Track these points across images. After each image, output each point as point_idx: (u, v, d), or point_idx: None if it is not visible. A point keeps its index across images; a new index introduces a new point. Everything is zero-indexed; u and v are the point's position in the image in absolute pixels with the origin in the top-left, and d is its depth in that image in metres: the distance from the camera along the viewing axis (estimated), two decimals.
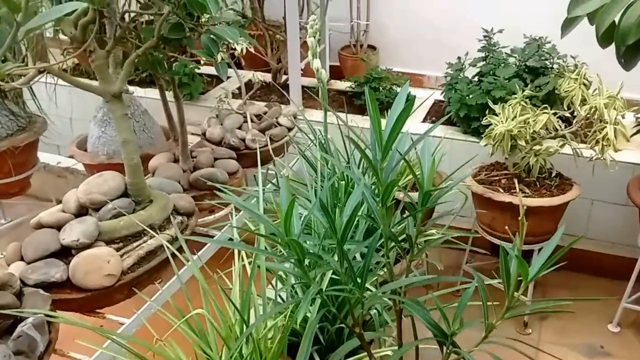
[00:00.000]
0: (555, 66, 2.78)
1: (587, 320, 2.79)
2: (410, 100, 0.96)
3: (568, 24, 1.01)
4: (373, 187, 1.11)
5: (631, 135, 2.47)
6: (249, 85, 2.80)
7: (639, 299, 2.74)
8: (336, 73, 3.77)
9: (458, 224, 2.83)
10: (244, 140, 2.24)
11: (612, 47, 1.07)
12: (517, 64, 2.81)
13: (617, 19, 0.91)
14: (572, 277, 3.04)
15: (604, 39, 0.95)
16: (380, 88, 3.11)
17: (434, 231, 1.96)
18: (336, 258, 0.99)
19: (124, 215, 1.68)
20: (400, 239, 1.13)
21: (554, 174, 2.53)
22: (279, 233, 0.93)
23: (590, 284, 3.00)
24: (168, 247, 1.50)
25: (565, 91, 2.41)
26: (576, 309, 2.84)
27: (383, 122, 1.02)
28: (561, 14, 1.26)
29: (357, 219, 1.08)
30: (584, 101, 2.35)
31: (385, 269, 1.16)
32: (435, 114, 3.17)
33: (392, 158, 1.01)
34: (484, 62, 2.86)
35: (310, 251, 1.02)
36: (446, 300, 1.48)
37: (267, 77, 3.41)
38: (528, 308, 1.32)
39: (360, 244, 1.01)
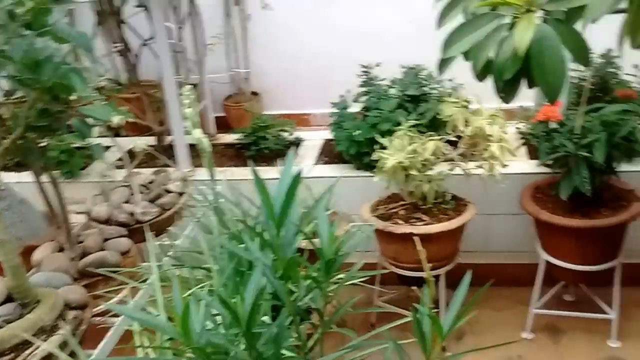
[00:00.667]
0: (434, 92, 2.87)
1: (502, 332, 2.85)
2: (297, 175, 0.92)
3: (443, 64, 1.01)
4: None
5: (516, 148, 2.58)
6: (132, 153, 2.69)
7: (547, 303, 2.84)
8: (223, 124, 3.71)
9: (365, 260, 2.82)
10: (133, 214, 2.12)
11: None
12: (399, 94, 2.87)
13: (491, 55, 0.91)
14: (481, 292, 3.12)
15: (481, 75, 0.95)
16: (268, 136, 3.08)
17: (342, 276, 1.94)
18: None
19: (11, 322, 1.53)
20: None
21: (449, 197, 2.59)
22: (177, 335, 0.85)
23: (499, 295, 3.09)
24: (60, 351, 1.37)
25: (447, 116, 2.48)
26: (489, 322, 2.91)
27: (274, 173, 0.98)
28: (432, 36, 1.23)
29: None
30: (466, 122, 2.43)
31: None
32: (327, 153, 3.18)
33: (288, 231, 0.97)
34: (367, 97, 2.91)
35: (215, 342, 0.95)
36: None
37: (152, 140, 3.30)
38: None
39: (269, 327, 0.96)
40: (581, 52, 0.87)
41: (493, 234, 3.05)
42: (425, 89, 2.87)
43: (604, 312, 2.74)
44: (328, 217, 1.11)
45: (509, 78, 0.86)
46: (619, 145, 2.31)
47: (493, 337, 2.82)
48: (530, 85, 0.90)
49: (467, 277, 1.14)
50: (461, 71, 1.08)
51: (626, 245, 2.64)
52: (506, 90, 0.91)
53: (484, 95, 2.47)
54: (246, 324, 0.88)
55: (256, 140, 3.06)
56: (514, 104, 3.06)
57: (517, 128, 2.94)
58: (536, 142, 2.51)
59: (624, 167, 2.67)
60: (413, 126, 2.52)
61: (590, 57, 0.88)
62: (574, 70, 3.00)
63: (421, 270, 2.52)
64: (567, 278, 2.75)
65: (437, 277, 2.58)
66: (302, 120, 3.82)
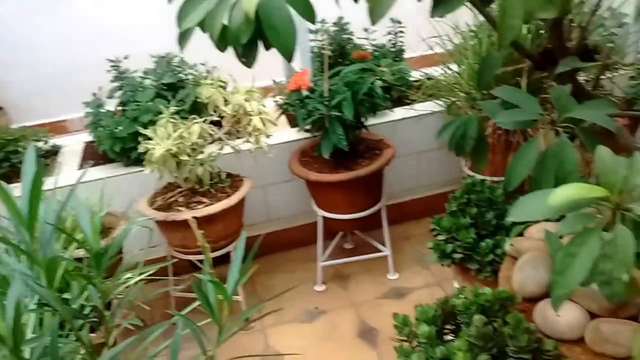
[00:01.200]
0: (190, 77, 2.90)
1: (297, 292, 3.03)
2: (37, 173, 0.89)
3: (182, 38, 1.03)
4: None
5: (277, 118, 2.72)
6: None
7: (332, 255, 3.08)
8: None
9: (152, 256, 2.80)
10: None
11: None
12: (154, 84, 2.85)
13: (226, 22, 0.95)
14: (271, 259, 3.27)
15: (221, 44, 1.00)
16: (19, 149, 2.85)
17: (129, 275, 1.91)
18: None
19: None
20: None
21: (224, 176, 2.66)
22: None
23: (289, 258, 3.27)
24: None
25: (207, 97, 2.53)
26: (285, 285, 3.07)
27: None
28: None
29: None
30: (226, 101, 2.51)
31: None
32: (91, 156, 3.05)
33: (43, 233, 0.94)
34: (121, 91, 2.84)
35: None
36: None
37: None
38: (242, 317, 1.37)
39: (39, 340, 0.91)
40: (307, 11, 0.96)
41: (272, 203, 3.20)
42: (180, 75, 2.88)
43: (379, 251, 3.05)
44: (91, 212, 1.09)
45: (245, 42, 0.92)
46: (363, 101, 2.56)
47: (290, 297, 2.98)
48: (267, 47, 0.97)
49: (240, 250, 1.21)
50: (214, 54, 1.13)
51: (385, 189, 2.96)
52: (246, 55, 0.98)
53: (238, 75, 2.58)
54: (13, 342, 0.84)
55: (7, 156, 2.82)
56: (268, 80, 3.21)
57: (275, 101, 3.10)
58: (293, 110, 2.68)
59: (371, 121, 2.98)
60: (175, 113, 2.53)
61: (316, 14, 0.97)
62: (314, 40, 3.24)
63: (212, 251, 2.56)
64: (344, 228, 3.00)
65: (228, 254, 2.65)
66: (58, 128, 3.60)
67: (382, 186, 2.85)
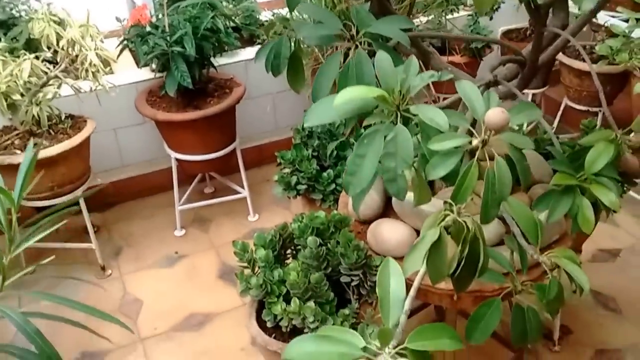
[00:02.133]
0: (23, 13, 2.70)
1: (156, 236, 2.97)
2: None
3: None
4: None
5: (117, 56, 2.59)
6: None
7: (191, 199, 3.04)
8: None
9: None
10: None
11: None
12: None
13: None
14: (129, 206, 3.18)
15: None
16: None
17: None
18: None
19: None
20: None
21: (64, 117, 2.52)
22: None
23: (147, 204, 3.19)
24: None
25: (39, 33, 2.36)
26: (143, 232, 3.01)
27: None
28: None
29: None
30: (60, 38, 2.35)
31: None
32: None
33: None
34: None
35: None
36: None
37: None
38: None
39: None
40: None
41: (125, 148, 3.09)
42: (12, 12, 2.67)
43: (238, 193, 3.04)
44: None
45: None
46: (207, 37, 2.50)
47: (149, 243, 2.92)
48: None
49: None
50: None
51: (240, 134, 2.94)
52: None
53: (72, 9, 2.44)
54: None
55: None
56: (108, 20, 3.02)
57: (118, 38, 2.96)
58: (133, 47, 2.57)
59: (222, 60, 2.93)
60: (9, 52, 2.35)
61: None
62: None
63: (57, 196, 2.44)
64: (199, 170, 2.96)
65: (78, 203, 2.54)
66: None
67: (234, 126, 2.83)
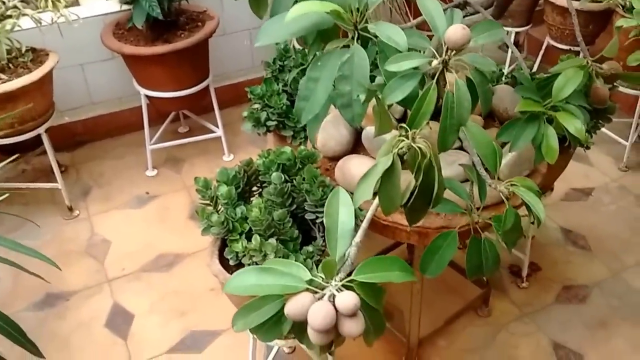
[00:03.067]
0: None
1: (127, 177, 2.90)
2: None
3: None
4: None
5: None
6: None
7: (164, 139, 2.95)
8: None
9: None
10: None
11: None
12: None
13: None
14: (99, 145, 3.09)
15: None
16: None
17: None
18: None
19: None
20: None
21: (25, 50, 2.40)
22: None
23: (118, 143, 3.10)
24: None
25: None
26: (113, 172, 2.93)
27: None
28: None
29: None
30: None
31: None
32: None
33: None
34: None
35: None
36: None
37: None
38: None
39: None
40: None
41: (93, 84, 2.98)
42: None
43: (212, 132, 2.96)
44: None
45: None
46: None
47: (119, 184, 2.85)
48: None
49: None
50: None
51: (215, 72, 2.83)
52: None
53: None
54: None
55: None
56: None
57: None
58: None
59: None
60: None
61: None
62: None
63: (19, 133, 2.35)
64: (171, 107, 2.86)
65: (40, 138, 2.45)
66: None
67: (207, 61, 2.72)
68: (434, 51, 0.87)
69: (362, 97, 0.86)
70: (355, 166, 1.60)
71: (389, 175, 0.81)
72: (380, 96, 0.96)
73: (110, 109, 3.04)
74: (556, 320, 2.17)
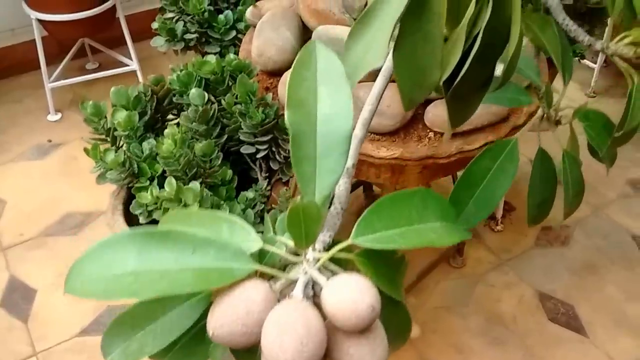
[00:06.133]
0: None
1: (24, 124, 2.40)
2: None
3: None
4: None
5: None
6: None
7: (64, 74, 2.44)
8: None
9: None
10: None
11: None
12: None
13: None
14: None
15: None
16: None
17: None
18: None
19: None
20: None
21: None
22: None
23: (15, 84, 2.58)
24: None
25: None
26: (11, 117, 2.43)
27: None
28: None
29: None
30: None
31: None
32: None
33: None
34: None
35: None
36: None
37: None
38: None
39: None
40: None
41: None
42: None
43: (126, 65, 2.46)
44: None
45: None
46: None
47: (15, 132, 2.36)
48: None
49: None
50: None
51: None
52: None
53: None
54: None
55: None
56: None
57: None
58: None
59: None
60: None
61: None
62: None
63: None
64: (70, 34, 2.34)
65: None
66: None
67: None
68: None
69: None
70: None
71: (416, 16, 0.38)
72: None
73: (1, 42, 2.49)
74: (538, 267, 1.85)
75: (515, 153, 0.61)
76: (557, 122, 0.64)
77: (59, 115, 2.42)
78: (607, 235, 1.95)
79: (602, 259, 1.88)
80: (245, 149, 1.10)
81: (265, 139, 1.08)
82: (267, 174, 1.13)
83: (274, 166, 1.11)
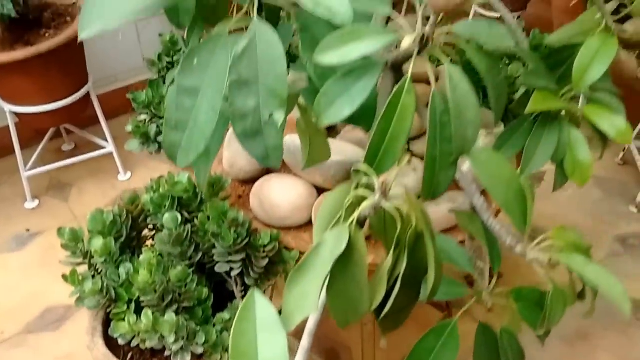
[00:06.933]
0: None
1: (1, 213, 2.39)
2: None
3: None
4: None
5: None
6: None
7: (41, 159, 2.45)
8: None
9: None
10: None
11: None
12: None
13: None
14: None
15: None
16: None
17: None
18: None
19: None
20: None
21: None
22: None
23: None
24: None
25: None
26: None
27: None
28: None
29: None
30: None
31: None
32: None
33: None
34: None
35: None
36: None
37: None
38: None
39: None
40: None
41: None
42: None
43: (102, 148, 2.48)
44: None
45: None
46: None
47: None
48: None
49: None
50: None
51: (97, 75, 2.36)
52: None
53: None
54: None
55: None
56: None
57: None
58: None
59: None
60: None
61: None
62: None
63: None
64: (45, 123, 2.37)
65: None
66: None
67: (84, 64, 2.24)
68: (402, 21, 0.48)
69: (279, 116, 0.46)
70: (277, 191, 1.20)
71: (343, 267, 0.42)
72: (308, 108, 0.57)
73: None
74: (529, 335, 1.86)
75: (455, 332, 0.65)
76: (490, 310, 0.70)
77: (36, 202, 2.43)
78: (599, 298, 1.95)
79: (595, 326, 1.86)
80: (220, 267, 1.13)
81: (238, 257, 1.10)
82: (242, 289, 1.16)
83: (249, 282, 1.13)
